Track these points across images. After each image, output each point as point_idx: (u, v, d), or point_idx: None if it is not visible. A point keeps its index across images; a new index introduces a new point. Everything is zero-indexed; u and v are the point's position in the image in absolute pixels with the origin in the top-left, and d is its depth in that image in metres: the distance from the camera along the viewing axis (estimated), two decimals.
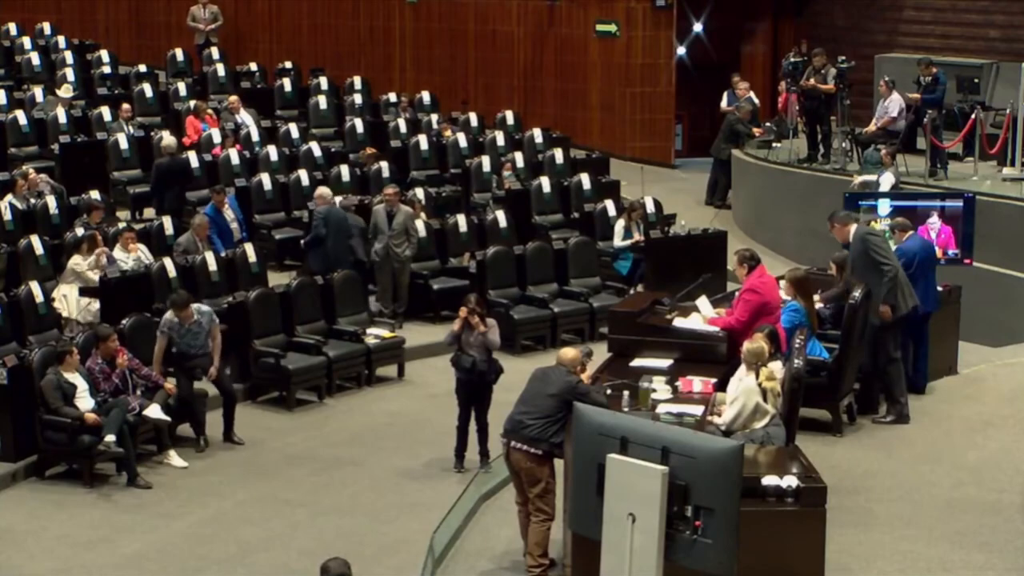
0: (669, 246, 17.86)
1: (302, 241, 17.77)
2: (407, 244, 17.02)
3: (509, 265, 17.29)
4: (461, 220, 18.26)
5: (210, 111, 21.73)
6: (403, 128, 22.37)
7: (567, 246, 17.82)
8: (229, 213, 17.80)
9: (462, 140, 21.78)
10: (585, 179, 20.32)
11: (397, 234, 16.93)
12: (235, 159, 19.91)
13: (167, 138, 19.63)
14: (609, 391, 10.41)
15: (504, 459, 10.47)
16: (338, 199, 17.93)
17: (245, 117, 21.76)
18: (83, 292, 15.23)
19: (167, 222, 17.51)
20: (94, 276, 15.31)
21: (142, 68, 24.85)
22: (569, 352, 10.48)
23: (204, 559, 11.40)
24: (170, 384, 13.36)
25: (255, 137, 21.17)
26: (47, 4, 28.81)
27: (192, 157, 19.73)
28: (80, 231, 16.25)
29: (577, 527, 7.30)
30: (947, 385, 14.09)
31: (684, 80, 25.48)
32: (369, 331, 15.94)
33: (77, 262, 15.43)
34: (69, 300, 15.18)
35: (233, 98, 22.29)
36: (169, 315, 13.67)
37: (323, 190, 17.89)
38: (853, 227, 13.16)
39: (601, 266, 18.04)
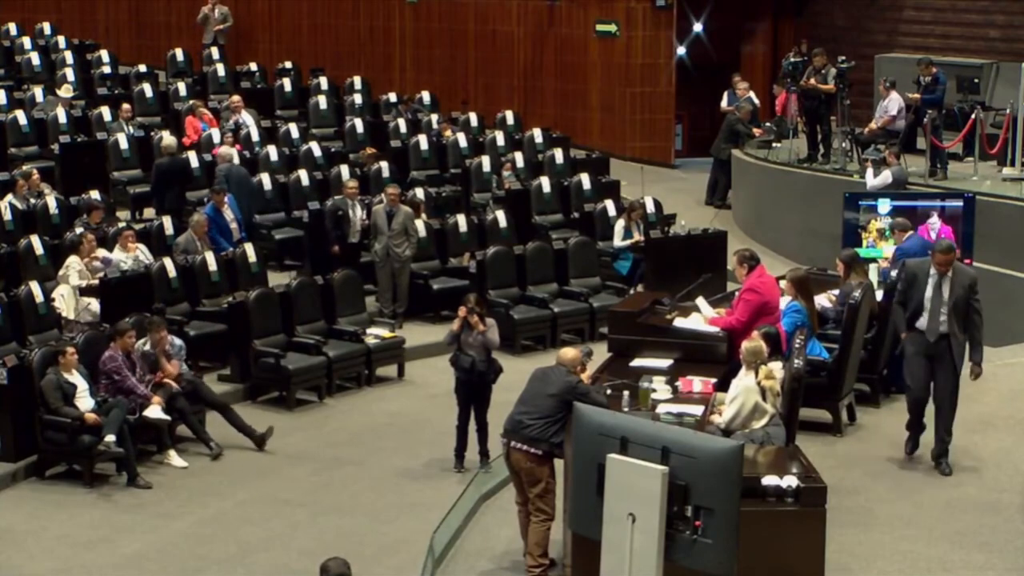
0: (669, 246, 17.85)
1: (205, 198, 18.44)
2: (407, 244, 17.03)
3: (509, 265, 17.29)
4: (461, 220, 18.26)
5: (205, 110, 21.70)
6: (403, 128, 22.37)
7: (567, 246, 17.82)
8: (228, 213, 17.80)
9: (462, 140, 21.78)
10: (585, 179, 20.32)
11: (397, 234, 16.94)
12: (235, 159, 19.88)
13: (167, 138, 19.63)
14: (609, 391, 10.42)
15: (504, 459, 10.47)
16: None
17: (245, 117, 21.75)
18: (83, 292, 15.23)
19: (167, 222, 17.51)
20: (80, 281, 15.23)
21: (142, 68, 24.84)
22: (569, 352, 10.48)
23: (204, 559, 11.40)
24: (158, 397, 13.32)
25: (255, 137, 21.16)
26: (47, 4, 28.81)
27: (192, 157, 19.73)
28: (80, 231, 16.25)
29: (577, 527, 7.30)
30: None
31: (684, 80, 25.47)
32: (369, 331, 15.94)
33: (71, 263, 15.39)
34: (67, 300, 15.16)
35: (235, 97, 22.28)
36: (141, 344, 13.65)
37: (224, 149, 18.89)
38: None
39: (601, 266, 18.04)
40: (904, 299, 11.75)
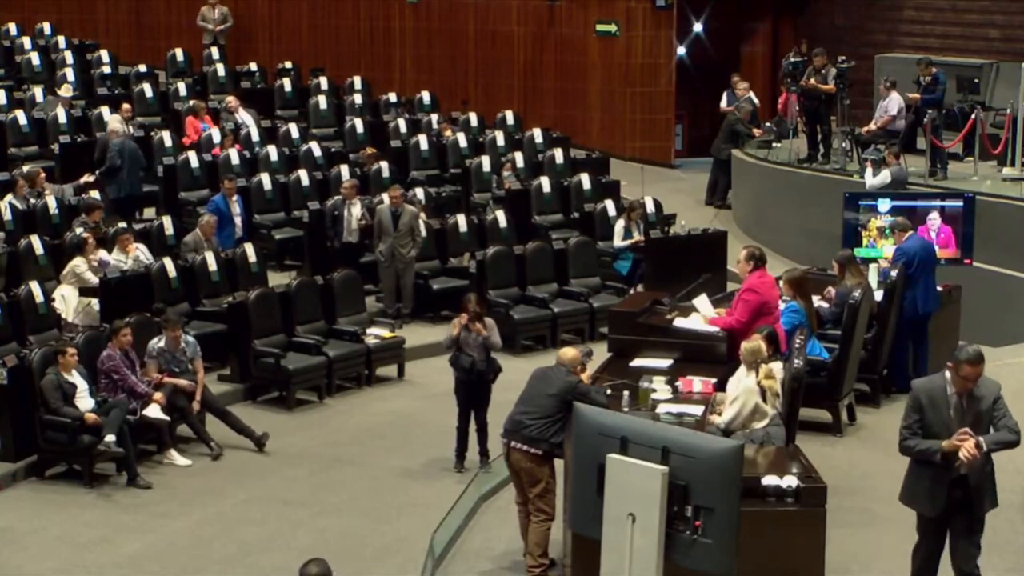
0: (669, 246, 17.86)
1: (98, 172, 18.85)
2: (412, 244, 17.03)
3: (509, 265, 17.29)
4: (461, 220, 18.26)
5: (205, 108, 21.70)
6: (403, 128, 22.36)
7: (567, 246, 17.82)
8: (235, 207, 17.80)
9: (462, 140, 21.78)
10: (585, 179, 20.31)
11: (402, 235, 16.94)
12: (235, 159, 19.90)
13: (114, 122, 19.86)
14: (609, 391, 10.42)
15: (504, 459, 10.47)
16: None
17: (245, 117, 21.75)
18: (83, 292, 15.24)
19: (167, 222, 17.52)
20: (94, 278, 15.31)
21: (142, 68, 24.85)
22: (569, 352, 10.49)
23: (204, 559, 11.41)
24: (159, 395, 13.34)
25: (255, 137, 21.16)
26: (47, 4, 28.79)
27: (192, 157, 19.74)
28: (80, 231, 16.25)
29: (577, 527, 7.30)
30: None
31: (684, 80, 25.47)
32: (369, 331, 15.94)
33: (78, 263, 15.41)
34: (68, 301, 15.17)
35: (231, 98, 22.28)
36: (155, 342, 13.69)
37: (116, 125, 19.34)
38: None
39: (601, 266, 18.04)
40: (922, 429, 8.81)
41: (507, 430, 10.30)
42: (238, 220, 17.77)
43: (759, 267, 11.81)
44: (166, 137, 20.35)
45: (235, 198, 17.80)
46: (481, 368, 12.73)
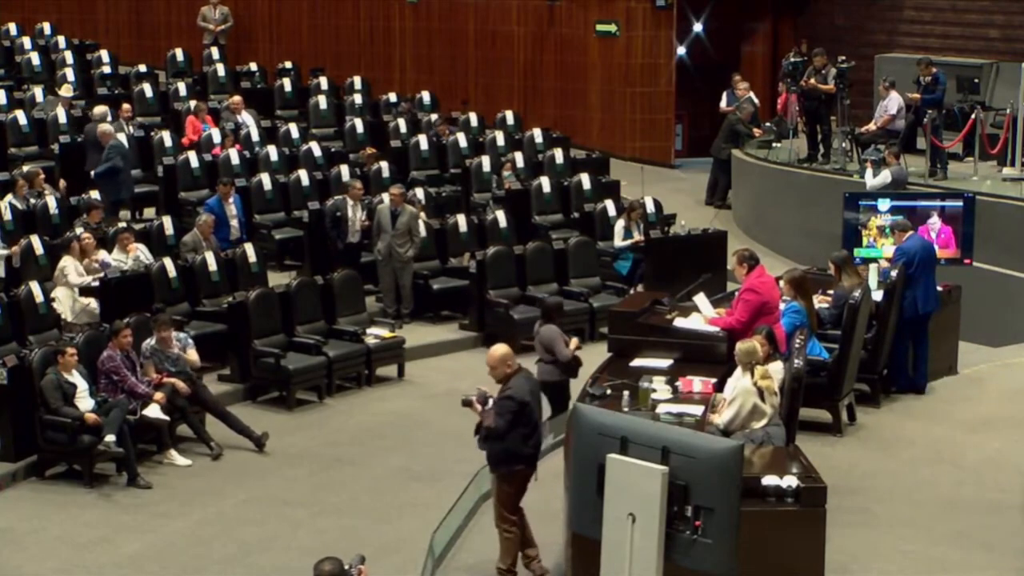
0: (669, 246, 17.86)
1: (93, 172, 18.75)
2: (410, 244, 17.02)
3: (509, 265, 17.28)
4: (461, 220, 18.25)
5: (205, 108, 21.70)
6: (403, 128, 22.36)
7: (567, 246, 17.82)
8: (231, 209, 17.79)
9: (462, 140, 21.77)
10: (585, 179, 20.30)
11: (400, 234, 16.94)
12: (235, 159, 19.90)
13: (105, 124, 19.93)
14: (609, 391, 10.42)
15: (527, 482, 10.39)
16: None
17: (245, 117, 21.74)
18: (83, 292, 15.23)
19: (167, 222, 17.52)
20: (77, 280, 15.23)
21: (142, 68, 24.84)
22: (501, 347, 10.39)
23: (204, 559, 11.41)
24: (160, 395, 13.35)
25: (255, 137, 21.15)
26: (47, 4, 28.79)
27: (192, 157, 19.74)
28: (79, 231, 16.25)
29: (577, 527, 7.30)
30: (947, 385, 14.10)
31: (684, 80, 25.47)
32: (369, 331, 15.94)
33: (65, 264, 15.37)
34: (62, 302, 15.15)
35: (236, 98, 22.28)
36: (149, 342, 13.71)
37: (105, 127, 19.20)
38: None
39: (601, 266, 18.04)
40: None
41: (534, 456, 10.29)
42: (234, 222, 17.74)
43: (754, 267, 11.83)
44: (166, 137, 20.34)
45: (231, 200, 17.78)
46: None
